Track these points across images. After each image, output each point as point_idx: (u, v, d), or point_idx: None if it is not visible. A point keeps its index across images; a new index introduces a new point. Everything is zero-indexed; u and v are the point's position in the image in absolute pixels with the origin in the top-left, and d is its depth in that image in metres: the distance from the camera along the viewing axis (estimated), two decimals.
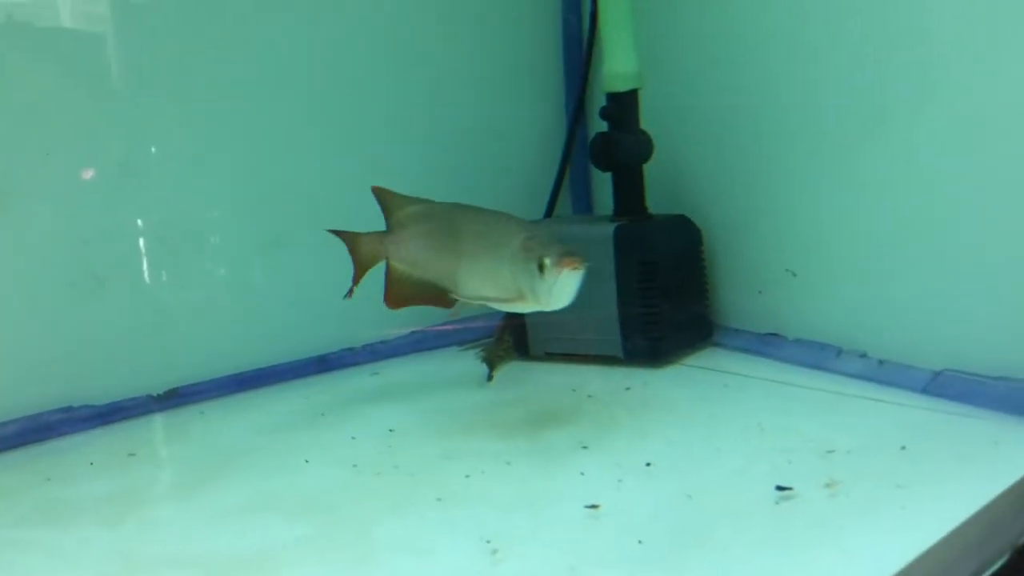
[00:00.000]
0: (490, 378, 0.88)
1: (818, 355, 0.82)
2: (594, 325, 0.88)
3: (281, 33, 0.93)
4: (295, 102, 0.94)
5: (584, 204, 1.10)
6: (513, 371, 0.92)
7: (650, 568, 0.51)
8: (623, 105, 0.89)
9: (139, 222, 0.87)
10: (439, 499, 0.62)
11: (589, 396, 0.81)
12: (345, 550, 0.56)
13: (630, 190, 0.91)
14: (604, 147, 0.90)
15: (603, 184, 1.06)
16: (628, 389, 0.82)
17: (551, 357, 0.93)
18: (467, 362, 0.96)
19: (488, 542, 0.55)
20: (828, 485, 0.58)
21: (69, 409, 0.83)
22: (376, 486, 0.65)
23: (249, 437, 0.78)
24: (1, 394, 0.81)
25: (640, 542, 0.54)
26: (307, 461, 0.71)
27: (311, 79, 0.95)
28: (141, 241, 0.87)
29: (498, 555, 0.53)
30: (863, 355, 0.79)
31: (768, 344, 0.87)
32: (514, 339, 0.95)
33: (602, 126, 0.92)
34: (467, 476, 0.65)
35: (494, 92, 1.07)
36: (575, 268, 0.64)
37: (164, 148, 0.88)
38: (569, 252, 0.65)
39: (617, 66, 0.89)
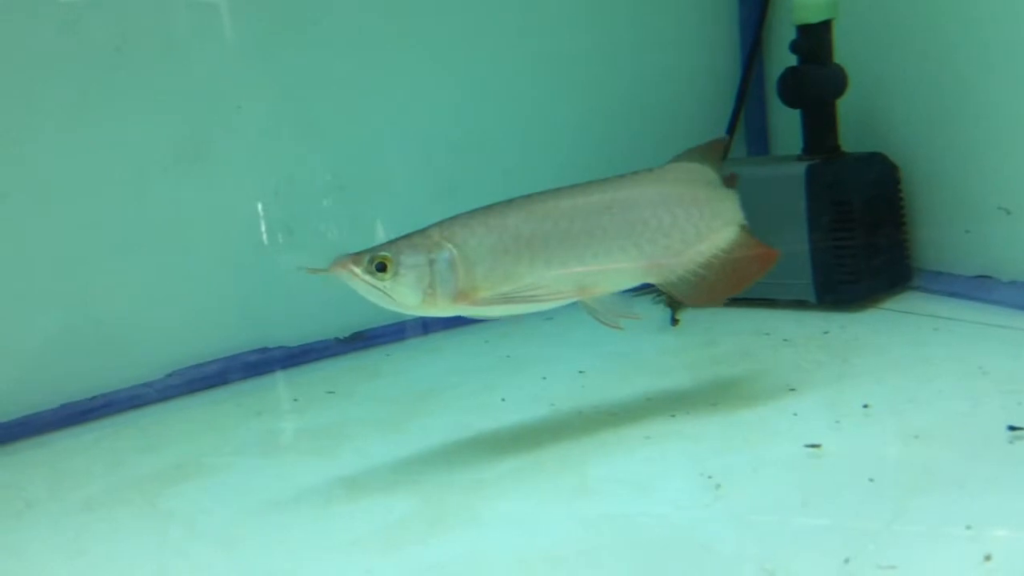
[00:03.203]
0: (675, 322, 0.86)
1: None
2: (783, 268, 0.84)
3: None
4: (465, 50, 0.94)
5: (760, 144, 1.06)
6: (695, 316, 0.89)
7: (886, 504, 0.49)
8: (815, 37, 0.85)
9: (323, 172, 0.89)
10: (647, 437, 0.61)
11: (785, 340, 0.78)
12: (561, 481, 0.56)
13: (822, 127, 0.87)
14: (794, 82, 0.86)
15: (782, 122, 1.02)
16: (826, 333, 0.78)
17: (734, 302, 0.90)
18: (644, 307, 0.94)
19: (709, 477, 0.54)
20: None
21: (265, 350, 0.87)
22: (579, 424, 0.65)
23: (440, 376, 0.80)
24: (205, 336, 0.85)
25: (871, 480, 0.51)
26: (503, 400, 0.72)
27: (484, 28, 0.95)
28: (324, 191, 0.90)
29: (722, 489, 0.52)
30: None
31: (978, 287, 0.82)
32: None
33: (784, 62, 0.88)
34: (672, 416, 0.64)
35: (663, 32, 1.04)
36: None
37: (345, 98, 0.89)
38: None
39: None
